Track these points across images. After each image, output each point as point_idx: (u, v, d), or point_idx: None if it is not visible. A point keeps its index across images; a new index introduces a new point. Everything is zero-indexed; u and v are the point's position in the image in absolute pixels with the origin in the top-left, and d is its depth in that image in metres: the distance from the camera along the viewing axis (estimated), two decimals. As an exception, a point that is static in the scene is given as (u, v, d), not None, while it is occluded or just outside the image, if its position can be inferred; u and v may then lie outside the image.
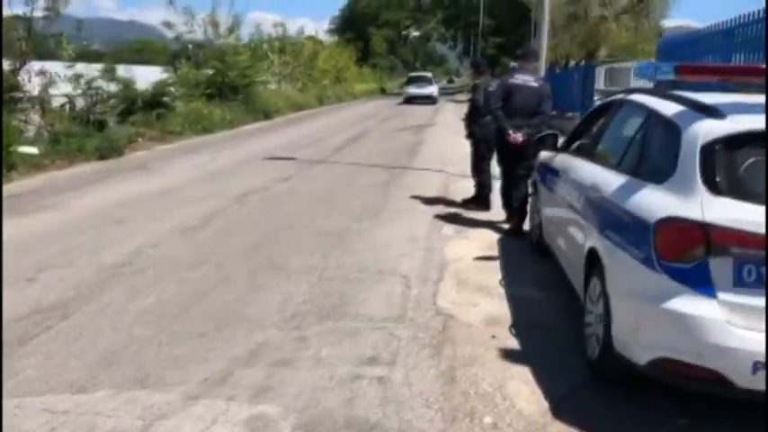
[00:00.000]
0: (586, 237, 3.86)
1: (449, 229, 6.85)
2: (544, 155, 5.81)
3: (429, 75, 40.03)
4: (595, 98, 17.99)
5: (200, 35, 23.11)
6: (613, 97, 4.72)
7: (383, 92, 47.55)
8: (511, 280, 5.15)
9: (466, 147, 8.36)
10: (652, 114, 3.66)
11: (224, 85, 20.83)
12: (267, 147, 14.04)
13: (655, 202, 3.10)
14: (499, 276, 5.25)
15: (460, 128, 9.63)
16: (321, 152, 13.29)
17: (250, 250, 5.85)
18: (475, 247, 6.12)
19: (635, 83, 27.14)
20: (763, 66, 4.24)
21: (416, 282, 5.04)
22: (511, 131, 6.36)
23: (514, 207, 6.66)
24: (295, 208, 7.72)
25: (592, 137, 4.75)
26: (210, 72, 21.00)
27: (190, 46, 23.05)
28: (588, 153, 4.61)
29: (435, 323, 4.25)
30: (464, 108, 9.47)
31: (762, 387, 2.64)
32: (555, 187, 5.06)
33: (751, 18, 7.74)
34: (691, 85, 4.49)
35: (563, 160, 5.12)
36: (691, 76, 4.24)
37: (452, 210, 7.83)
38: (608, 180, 3.80)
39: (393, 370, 3.55)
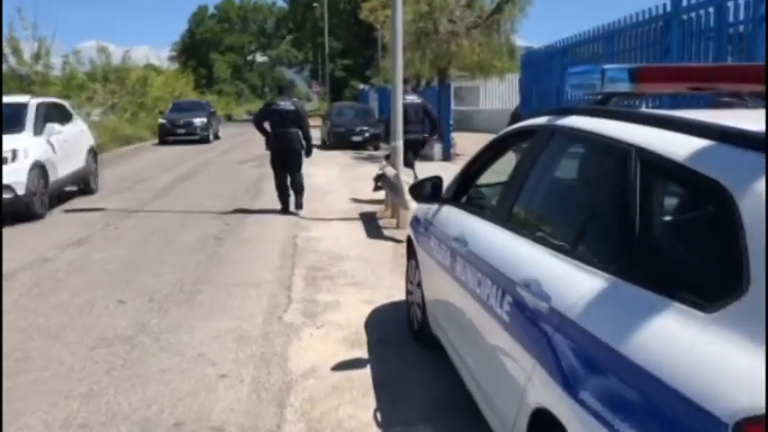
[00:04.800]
0: (528, 382, 2.10)
1: (295, 310, 4.91)
2: (421, 206, 4.08)
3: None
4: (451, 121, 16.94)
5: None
6: (529, 122, 2.99)
7: (229, 119, 44.57)
8: (392, 411, 3.31)
9: (321, 178, 6.57)
10: (637, 155, 1.94)
11: (32, 120, 17.63)
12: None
13: (724, 367, 1.37)
14: (373, 405, 3.39)
15: (318, 155, 7.80)
16: (140, 198, 10.84)
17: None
18: (333, 341, 4.25)
19: (495, 99, 26.73)
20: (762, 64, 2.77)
21: (238, 440, 3.05)
22: None
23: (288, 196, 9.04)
24: (76, 294, 5.35)
25: (500, 188, 3.01)
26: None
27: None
28: (499, 214, 2.87)
29: None
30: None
31: None
32: (445, 261, 3.30)
33: (629, 22, 6.64)
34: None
35: (453, 218, 3.38)
36: (655, 84, 2.64)
37: (301, 272, 5.92)
38: (564, 280, 2.06)
39: None
